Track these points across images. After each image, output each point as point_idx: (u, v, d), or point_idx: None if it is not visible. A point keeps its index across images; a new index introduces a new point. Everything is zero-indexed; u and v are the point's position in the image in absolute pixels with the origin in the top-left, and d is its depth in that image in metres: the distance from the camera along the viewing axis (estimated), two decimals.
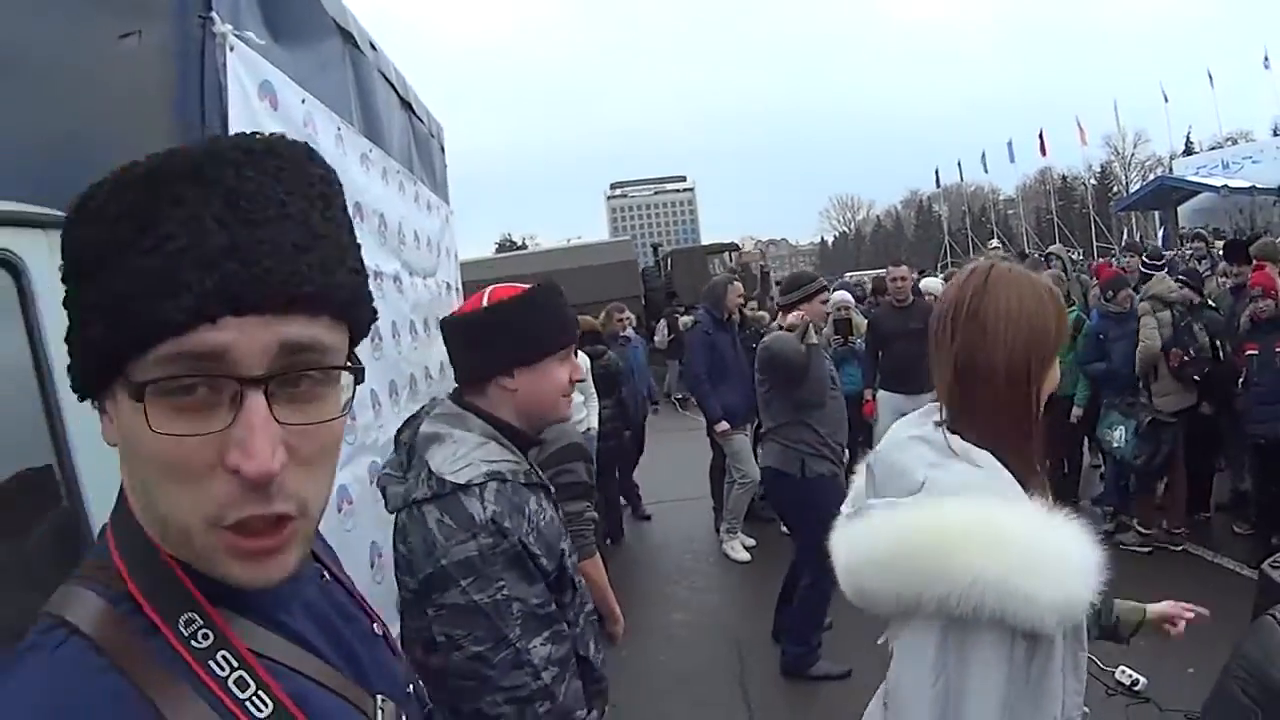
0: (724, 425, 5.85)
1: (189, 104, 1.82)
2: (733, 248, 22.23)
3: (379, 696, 0.77)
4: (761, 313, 7.17)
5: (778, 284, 21.09)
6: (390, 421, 2.71)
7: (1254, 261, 5.50)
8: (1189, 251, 13.03)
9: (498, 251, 43.14)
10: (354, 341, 0.70)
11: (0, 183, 1.63)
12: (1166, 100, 44.71)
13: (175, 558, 0.65)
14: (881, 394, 6.18)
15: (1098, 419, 5.71)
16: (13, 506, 1.50)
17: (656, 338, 14.25)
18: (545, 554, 1.51)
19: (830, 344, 4.95)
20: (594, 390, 5.81)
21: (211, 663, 0.63)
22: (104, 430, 0.66)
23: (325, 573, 0.83)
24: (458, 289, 4.52)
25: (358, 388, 0.70)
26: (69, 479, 1.52)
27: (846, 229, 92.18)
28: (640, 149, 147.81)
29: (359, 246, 0.72)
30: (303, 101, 2.30)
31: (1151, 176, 40.46)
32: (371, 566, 2.51)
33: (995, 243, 19.45)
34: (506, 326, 1.60)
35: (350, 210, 0.74)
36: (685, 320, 10.34)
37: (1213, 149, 35.38)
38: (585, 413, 5.61)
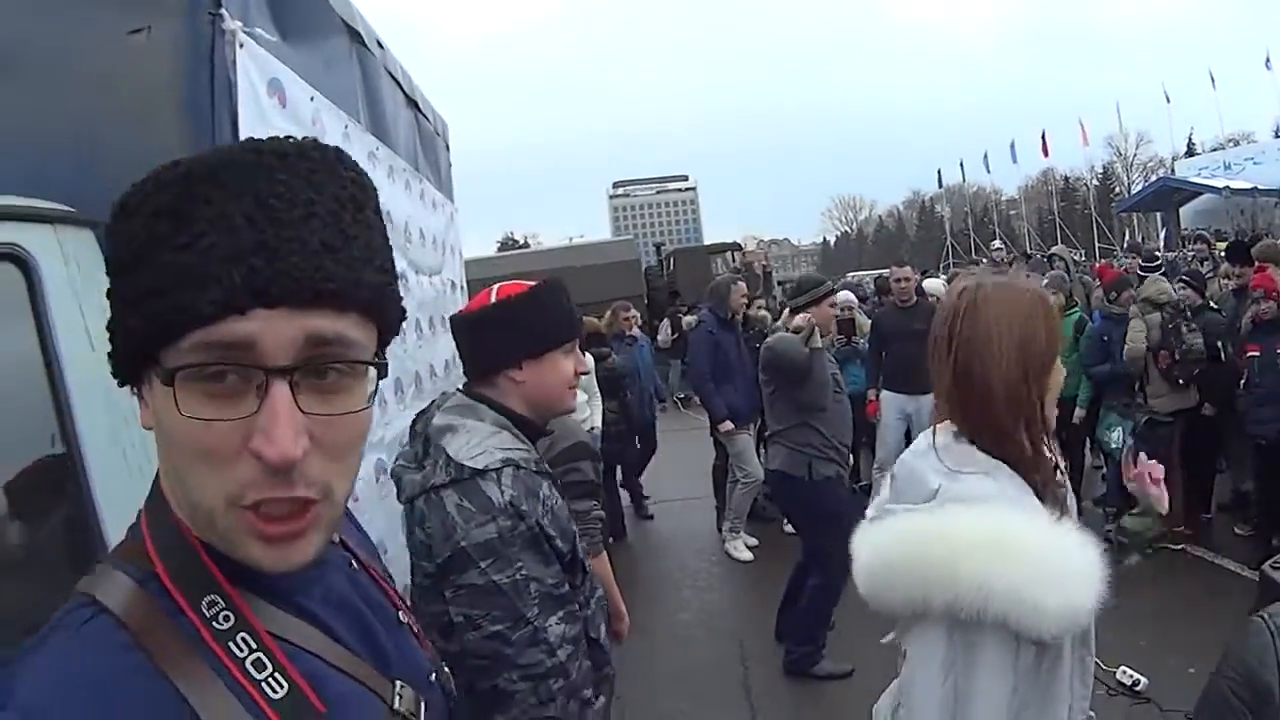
0: (728, 425, 5.85)
1: (199, 100, 1.83)
2: (735, 247, 22.22)
3: (398, 682, 0.78)
4: (763, 313, 7.16)
5: (780, 284, 21.06)
6: (396, 419, 2.72)
7: (1255, 263, 5.50)
8: (1190, 253, 13.03)
9: (500, 250, 43.17)
10: (384, 338, 0.73)
11: (9, 178, 1.63)
12: (1168, 101, 44.67)
13: (203, 542, 0.68)
14: (885, 394, 6.18)
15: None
16: (22, 499, 1.51)
17: (660, 337, 14.24)
18: (560, 536, 1.57)
19: (834, 344, 4.95)
20: (597, 390, 5.82)
21: (231, 644, 0.66)
22: (141, 415, 0.69)
23: (353, 560, 0.86)
24: (462, 287, 4.52)
25: (380, 383, 0.72)
26: (77, 472, 1.53)
27: (849, 229, 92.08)
28: (642, 148, 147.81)
29: (390, 248, 0.74)
30: (311, 99, 2.30)
31: (1153, 177, 40.45)
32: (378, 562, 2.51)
33: (998, 243, 19.40)
34: (513, 321, 1.68)
35: None
36: (689, 320, 10.34)
37: (1214, 150, 35.34)
38: (589, 412, 5.62)
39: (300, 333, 0.64)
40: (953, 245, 48.78)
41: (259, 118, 1.94)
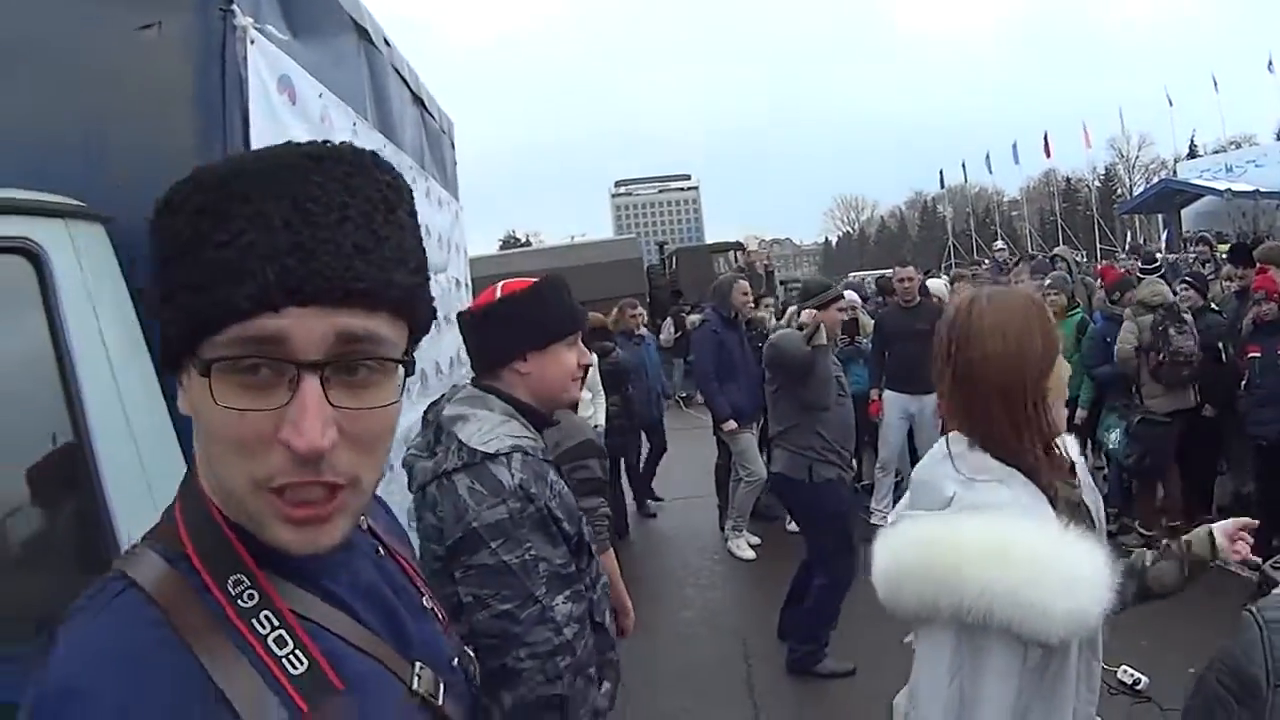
0: (731, 424, 5.87)
1: (210, 96, 1.84)
2: (738, 246, 22.21)
3: (417, 664, 0.81)
4: (763, 313, 7.16)
5: (782, 283, 21.05)
6: (405, 413, 2.72)
7: (1257, 265, 5.51)
8: (1192, 255, 13.02)
9: (502, 248, 43.15)
10: (415, 336, 0.76)
11: (20, 172, 1.65)
12: (1171, 104, 44.67)
13: (233, 525, 0.71)
14: (888, 394, 6.19)
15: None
16: (34, 490, 1.52)
17: (662, 335, 14.24)
18: (566, 519, 1.64)
19: (837, 343, 4.97)
20: (601, 387, 5.83)
21: (254, 621, 0.69)
22: (180, 401, 0.72)
23: (380, 547, 0.88)
24: (467, 285, 4.53)
25: (408, 379, 0.75)
26: (88, 463, 1.54)
27: (850, 229, 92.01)
28: (645, 147, 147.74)
29: (423, 249, 0.77)
30: (320, 96, 2.32)
31: (1155, 179, 40.36)
32: None
33: (1000, 244, 19.43)
34: (518, 316, 1.76)
35: None
36: (693, 319, 10.34)
37: (1216, 153, 35.22)
38: (593, 409, 5.63)
39: (331, 330, 0.66)
40: (954, 245, 48.73)
41: (269, 114, 1.95)
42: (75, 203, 1.69)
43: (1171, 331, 5.29)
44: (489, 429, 1.65)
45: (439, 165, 4.33)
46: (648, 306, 16.92)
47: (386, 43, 3.30)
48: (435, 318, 0.79)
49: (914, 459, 6.41)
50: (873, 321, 6.74)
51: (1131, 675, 3.67)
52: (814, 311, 4.14)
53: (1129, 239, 34.67)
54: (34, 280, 1.56)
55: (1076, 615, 1.27)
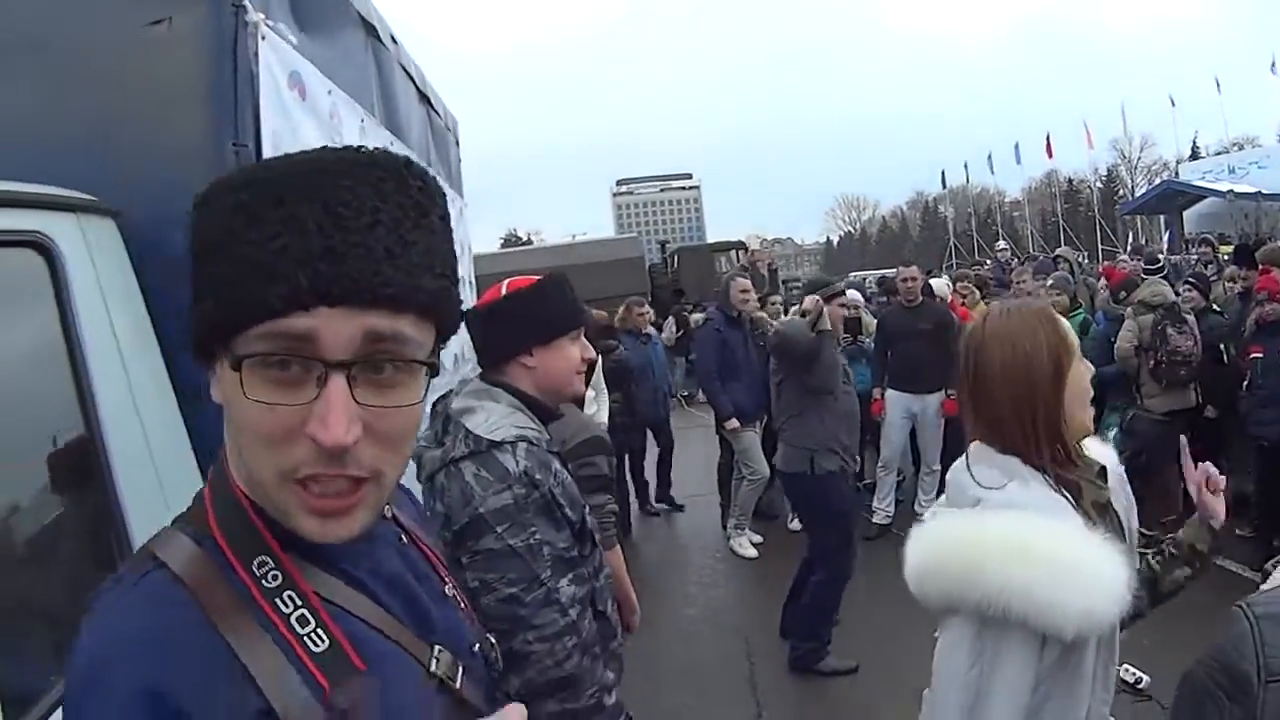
0: (734, 423, 5.88)
1: (221, 92, 1.84)
2: (739, 246, 22.19)
3: (436, 646, 0.83)
4: (762, 314, 7.16)
5: (784, 283, 21.07)
6: None
7: (1260, 266, 5.52)
8: (1194, 256, 13.02)
9: (503, 247, 43.16)
10: (442, 337, 0.78)
11: (31, 167, 1.65)
12: (1174, 105, 44.62)
13: (259, 510, 0.75)
14: (890, 393, 6.19)
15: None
16: (45, 481, 1.53)
17: (664, 334, 14.25)
18: (569, 506, 1.69)
19: (840, 343, 4.99)
20: (604, 386, 5.84)
21: (278, 600, 0.72)
22: (212, 390, 0.75)
23: (403, 535, 0.91)
24: (471, 283, 4.54)
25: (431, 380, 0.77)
26: (99, 456, 1.55)
27: (852, 229, 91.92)
28: (646, 146, 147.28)
29: (453, 253, 0.79)
30: (329, 93, 2.32)
31: (1157, 181, 40.28)
32: None
33: (1002, 244, 19.44)
34: (523, 311, 1.82)
35: None
36: (697, 318, 10.34)
37: (1219, 154, 35.17)
38: (596, 408, 5.63)
39: (359, 330, 0.69)
40: (955, 246, 48.68)
41: (280, 110, 1.96)
42: (87, 197, 1.69)
43: (1170, 331, 5.30)
44: (496, 419, 1.70)
45: (444, 163, 4.35)
46: (650, 305, 16.95)
47: (393, 40, 3.31)
48: (462, 318, 0.81)
49: (916, 458, 6.43)
50: (875, 321, 6.74)
51: (1133, 674, 3.69)
52: (817, 298, 4.18)
53: (1130, 240, 34.63)
54: (46, 274, 1.57)
55: (1092, 614, 1.33)
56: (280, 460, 0.69)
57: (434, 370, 0.76)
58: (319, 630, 0.72)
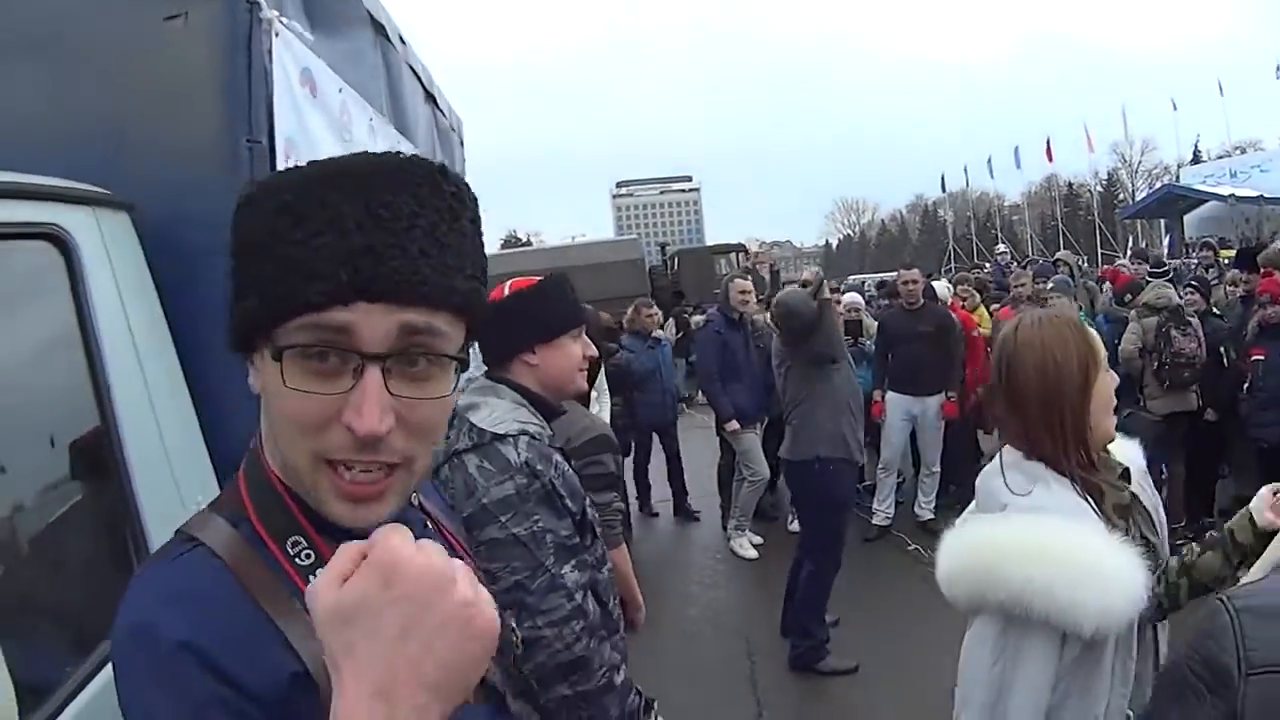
0: (734, 424, 5.89)
1: (235, 87, 1.85)
2: (739, 248, 22.26)
3: None
4: (760, 315, 7.18)
5: (784, 284, 21.10)
6: None
7: (1262, 269, 5.54)
8: (1195, 260, 13.03)
9: (503, 248, 43.18)
10: (471, 334, 0.83)
11: (46, 160, 1.66)
12: (1175, 109, 44.59)
13: (294, 495, 0.79)
14: (890, 396, 6.19)
15: None
16: (61, 473, 1.54)
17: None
18: (570, 496, 1.73)
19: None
20: (606, 388, 5.84)
21: (311, 577, 0.74)
22: (250, 379, 0.79)
23: (428, 522, 0.95)
24: None
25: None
26: (115, 447, 1.56)
27: (851, 232, 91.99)
28: (646, 148, 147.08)
29: (483, 254, 0.83)
30: (339, 90, 2.33)
31: (1158, 184, 40.26)
32: None
33: (1002, 247, 19.45)
34: (526, 310, 1.87)
35: None
36: (697, 319, 10.34)
37: (1220, 158, 35.18)
38: (598, 409, 5.63)
39: (395, 325, 0.73)
40: (955, 249, 48.73)
41: (292, 107, 1.97)
42: (102, 190, 1.70)
43: (1174, 333, 5.34)
44: (499, 414, 1.75)
45: (450, 163, 4.33)
46: None
47: (401, 39, 3.32)
48: (490, 316, 0.85)
49: (915, 460, 6.43)
50: (876, 323, 6.75)
51: None
52: (818, 269, 4.25)
53: (1130, 244, 34.63)
54: (62, 266, 1.58)
55: (1109, 613, 1.38)
56: (315, 446, 0.73)
57: (464, 365, 0.80)
58: None
